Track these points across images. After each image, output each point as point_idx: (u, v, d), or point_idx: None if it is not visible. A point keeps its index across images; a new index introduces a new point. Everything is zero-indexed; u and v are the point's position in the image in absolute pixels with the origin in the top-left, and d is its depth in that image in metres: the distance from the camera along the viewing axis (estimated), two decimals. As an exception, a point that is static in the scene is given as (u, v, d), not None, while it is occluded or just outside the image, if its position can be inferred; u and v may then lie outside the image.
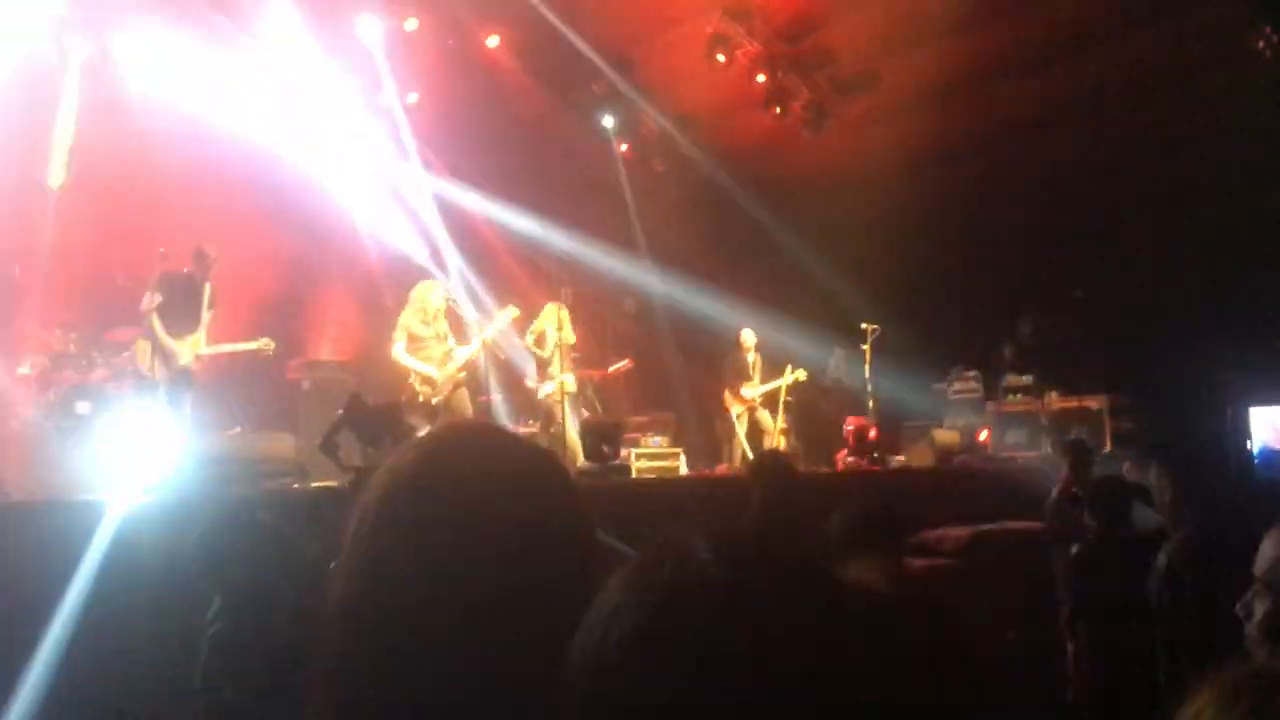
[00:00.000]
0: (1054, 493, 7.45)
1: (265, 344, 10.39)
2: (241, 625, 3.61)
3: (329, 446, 8.48)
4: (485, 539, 1.17)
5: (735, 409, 12.94)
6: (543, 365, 11.06)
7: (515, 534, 1.18)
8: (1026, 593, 6.98)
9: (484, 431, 1.33)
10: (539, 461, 1.29)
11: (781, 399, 12.66)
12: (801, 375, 12.89)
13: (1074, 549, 5.80)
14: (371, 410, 9.00)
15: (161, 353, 9.51)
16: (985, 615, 6.81)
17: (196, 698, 3.69)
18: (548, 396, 11.00)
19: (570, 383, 11.05)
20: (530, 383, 12.19)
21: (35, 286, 11.57)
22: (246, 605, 3.65)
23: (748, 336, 13.21)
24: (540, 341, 11.17)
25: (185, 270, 9.67)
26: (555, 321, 11.13)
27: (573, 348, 11.15)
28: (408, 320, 10.37)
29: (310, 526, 4.95)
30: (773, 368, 13.16)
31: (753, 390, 12.92)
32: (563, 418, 10.93)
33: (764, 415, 12.90)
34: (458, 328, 10.83)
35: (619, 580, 0.95)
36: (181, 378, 9.74)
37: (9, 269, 11.34)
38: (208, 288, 9.78)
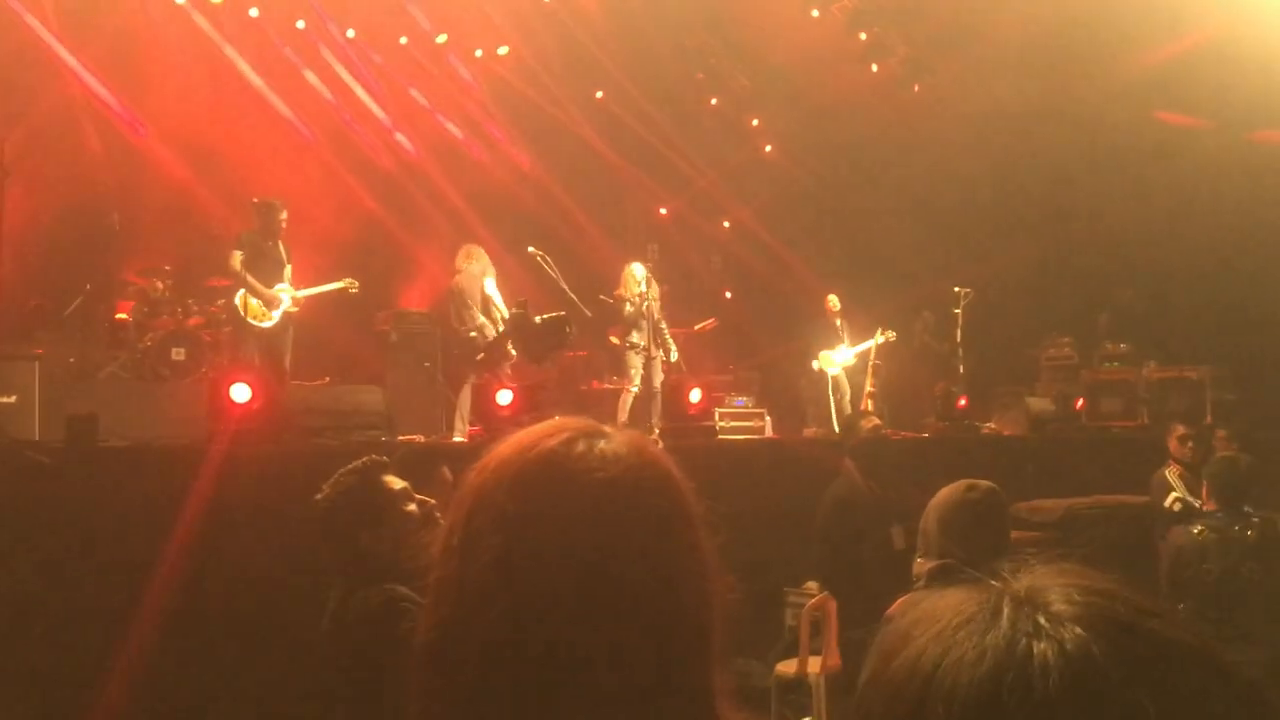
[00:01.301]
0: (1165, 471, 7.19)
1: (350, 283, 10.45)
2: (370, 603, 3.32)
3: (493, 361, 8.28)
4: (579, 539, 1.14)
5: (828, 369, 12.71)
6: (628, 322, 10.98)
7: (611, 536, 1.15)
8: (1122, 569, 6.79)
9: (582, 427, 1.26)
10: (643, 463, 1.23)
11: (870, 362, 12.44)
12: (891, 336, 12.63)
13: (1187, 527, 5.60)
14: (537, 324, 8.87)
15: (263, 299, 9.61)
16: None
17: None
18: (637, 352, 10.93)
19: (667, 338, 11.01)
20: (615, 339, 12.19)
21: (133, 234, 11.78)
22: (374, 580, 3.37)
23: (834, 301, 12.96)
24: (621, 300, 11.09)
25: (257, 229, 9.73)
26: (638, 278, 11.04)
27: (653, 300, 11.04)
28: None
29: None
30: (860, 331, 12.94)
31: (842, 353, 12.72)
32: (652, 374, 10.88)
33: (853, 378, 12.69)
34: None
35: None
36: (284, 323, 9.82)
37: (108, 217, 11.54)
38: (281, 246, 9.84)
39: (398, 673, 3.34)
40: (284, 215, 9.83)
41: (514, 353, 10.09)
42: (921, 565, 3.52)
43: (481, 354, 10.23)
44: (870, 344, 12.62)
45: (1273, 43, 11.51)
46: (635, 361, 10.89)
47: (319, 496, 3.44)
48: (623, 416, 10.64)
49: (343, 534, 3.42)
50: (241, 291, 9.57)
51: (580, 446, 1.20)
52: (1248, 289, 11.96)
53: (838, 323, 12.84)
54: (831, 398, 12.59)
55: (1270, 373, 11.47)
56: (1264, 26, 11.48)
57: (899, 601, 3.48)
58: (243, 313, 9.61)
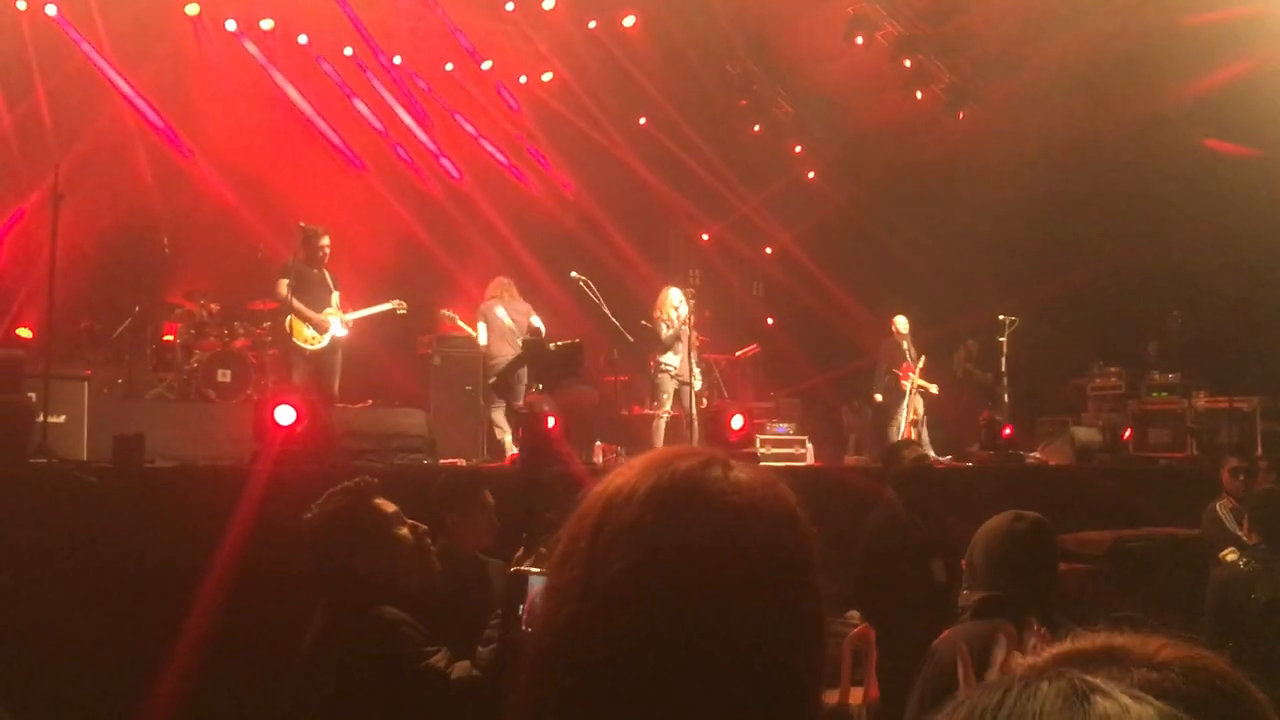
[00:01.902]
0: (1217, 505, 7.07)
1: (399, 305, 10.59)
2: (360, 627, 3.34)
3: (504, 385, 8.34)
4: (711, 566, 1.13)
5: (906, 384, 12.45)
6: (662, 346, 10.96)
7: (743, 564, 1.15)
8: (1170, 602, 6.68)
9: (711, 454, 1.24)
10: (771, 493, 1.22)
11: (912, 388, 12.33)
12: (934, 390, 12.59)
13: (1232, 559, 5.50)
14: (552, 352, 8.89)
15: (313, 324, 9.73)
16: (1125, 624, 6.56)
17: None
18: (669, 376, 10.93)
19: (692, 364, 10.98)
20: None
21: (181, 258, 11.95)
22: (363, 604, 3.36)
23: (902, 323, 12.74)
24: (658, 322, 11.08)
25: (301, 257, 9.85)
26: (674, 304, 11.04)
27: (688, 325, 11.04)
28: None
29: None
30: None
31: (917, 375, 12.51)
32: (689, 401, 10.89)
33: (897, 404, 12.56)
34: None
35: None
36: (333, 346, 9.96)
37: (157, 241, 11.72)
38: (326, 273, 9.96)
39: (392, 695, 3.32)
40: (326, 241, 9.94)
41: (525, 380, 10.14)
42: (968, 597, 3.47)
43: (494, 378, 10.35)
44: (926, 384, 12.53)
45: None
46: (668, 385, 10.90)
47: (308, 515, 3.43)
48: (657, 441, 10.63)
49: (332, 555, 3.40)
50: (290, 316, 9.68)
51: (716, 471, 1.20)
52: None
53: (904, 345, 12.65)
54: (903, 418, 12.39)
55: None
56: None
57: (945, 634, 3.44)
58: (291, 335, 9.72)
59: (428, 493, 5.75)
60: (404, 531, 3.49)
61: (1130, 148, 12.93)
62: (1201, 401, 12.06)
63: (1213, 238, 12.22)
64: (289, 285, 9.68)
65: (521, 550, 4.19)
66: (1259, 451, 10.76)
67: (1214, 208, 12.10)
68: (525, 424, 8.85)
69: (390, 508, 3.50)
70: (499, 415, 10.45)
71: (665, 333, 10.90)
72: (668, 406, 10.87)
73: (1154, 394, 12.66)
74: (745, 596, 1.13)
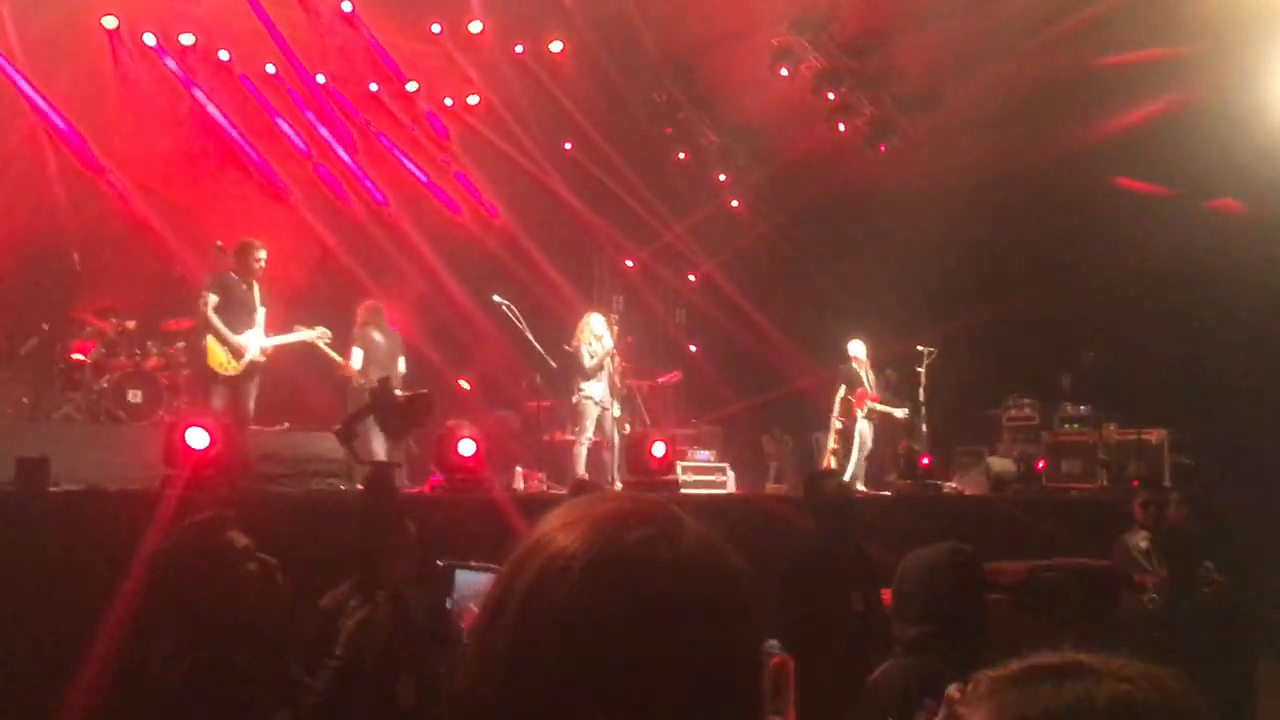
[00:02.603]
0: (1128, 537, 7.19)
1: (322, 333, 10.37)
2: (198, 665, 3.17)
3: (348, 434, 8.04)
4: (648, 650, 1.07)
5: (860, 412, 12.39)
6: (583, 373, 10.93)
7: (681, 648, 1.09)
8: (1086, 632, 6.78)
9: (662, 520, 1.17)
10: (717, 567, 1.17)
11: (834, 419, 12.42)
12: (903, 415, 12.60)
13: (1138, 595, 5.60)
14: (400, 400, 8.65)
15: (230, 348, 9.50)
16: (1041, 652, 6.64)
17: None
18: (592, 403, 10.90)
19: (607, 391, 10.95)
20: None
21: (92, 274, 11.66)
22: (204, 641, 3.22)
23: (857, 348, 12.64)
24: (578, 349, 11.06)
25: (233, 270, 9.65)
26: (596, 332, 11.04)
27: (611, 355, 11.03)
28: None
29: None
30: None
31: (876, 402, 12.49)
32: (611, 427, 10.88)
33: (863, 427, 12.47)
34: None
35: None
36: (250, 371, 9.73)
37: (67, 257, 11.43)
38: (256, 287, 9.75)
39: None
40: (262, 255, 9.76)
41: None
42: (903, 630, 3.48)
43: (338, 425, 9.92)
44: (891, 409, 12.55)
45: (1229, 113, 11.75)
46: (590, 412, 10.89)
47: (156, 550, 3.31)
48: (579, 468, 10.61)
49: (177, 590, 3.27)
50: (208, 337, 9.47)
51: (663, 551, 1.12)
52: (1205, 352, 12.10)
53: (862, 372, 12.58)
54: (857, 450, 12.34)
55: (1226, 435, 11.57)
56: (1223, 96, 11.71)
57: (881, 669, 3.44)
58: (207, 360, 9.51)
59: (344, 520, 5.64)
60: (252, 567, 3.35)
61: (1045, 184, 13.20)
62: (1112, 433, 12.32)
63: (1125, 272, 12.52)
64: (214, 303, 9.47)
65: (347, 586, 4.11)
66: (1167, 482, 11.03)
67: (1126, 244, 12.40)
68: (369, 481, 8.71)
69: (241, 542, 3.36)
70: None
71: (588, 361, 10.88)
72: (589, 433, 10.86)
73: (1066, 425, 12.91)
74: (684, 685, 1.07)
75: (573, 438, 12.59)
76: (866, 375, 12.59)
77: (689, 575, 1.12)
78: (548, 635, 1.07)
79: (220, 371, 9.52)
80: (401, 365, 10.97)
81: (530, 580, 1.12)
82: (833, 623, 5.95)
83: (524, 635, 1.09)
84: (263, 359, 9.79)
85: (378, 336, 10.79)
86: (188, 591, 3.23)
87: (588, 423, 10.83)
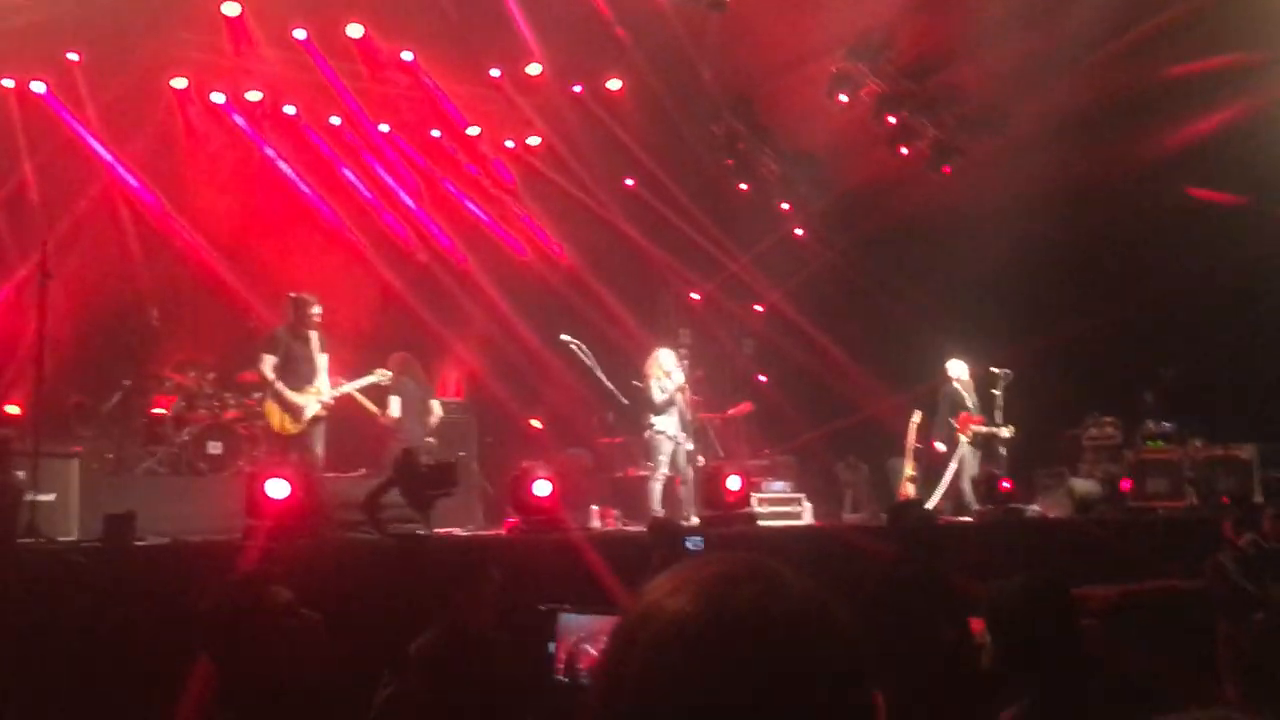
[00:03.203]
0: (1221, 556, 6.97)
1: (382, 375, 10.58)
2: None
3: (372, 508, 7.89)
4: (770, 705, 1.07)
5: (964, 438, 12.03)
6: (654, 408, 10.89)
7: (801, 701, 1.09)
8: (1182, 657, 6.57)
9: (766, 576, 1.17)
10: (826, 618, 1.17)
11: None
12: (1009, 433, 12.13)
13: (1253, 615, 5.42)
14: (425, 469, 8.62)
15: (289, 410, 9.69)
16: (1137, 680, 6.45)
17: None
18: (665, 438, 10.85)
19: (679, 426, 10.89)
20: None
21: (170, 330, 11.91)
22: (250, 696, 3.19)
23: (957, 368, 12.38)
24: (649, 383, 11.03)
25: (290, 324, 9.83)
26: (665, 367, 11.00)
27: (682, 390, 10.98)
28: None
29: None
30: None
31: (981, 425, 12.08)
32: (683, 462, 10.83)
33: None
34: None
35: None
36: (313, 428, 9.90)
37: (146, 314, 11.68)
38: (314, 335, 9.93)
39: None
40: (316, 310, 9.91)
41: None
42: (999, 662, 3.37)
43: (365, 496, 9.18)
44: (997, 430, 12.09)
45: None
46: (664, 447, 10.81)
47: (199, 609, 3.30)
48: (654, 504, 10.55)
49: (218, 648, 3.27)
50: (268, 400, 9.70)
51: (774, 607, 1.13)
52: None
53: (964, 392, 12.28)
54: (952, 472, 11.99)
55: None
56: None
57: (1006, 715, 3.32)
58: (274, 422, 9.73)
59: (423, 563, 5.65)
60: (294, 623, 3.32)
61: (1117, 198, 13.00)
62: (1198, 450, 12.02)
63: (1201, 285, 12.25)
64: (273, 364, 9.68)
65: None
66: (1259, 499, 10.71)
67: (1201, 255, 12.15)
68: (516, 488, 8.74)
69: (284, 596, 3.34)
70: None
71: (659, 396, 10.85)
72: (664, 469, 10.79)
73: (1150, 444, 12.60)
74: None
75: (646, 474, 12.58)
76: (970, 396, 12.28)
77: (801, 628, 1.12)
78: (672, 703, 1.07)
79: (282, 432, 9.73)
80: (437, 408, 11.43)
81: (646, 649, 1.11)
82: (921, 655, 5.82)
83: (646, 701, 1.08)
84: (324, 412, 9.95)
85: (412, 386, 11.03)
86: (229, 650, 3.23)
87: (662, 458, 10.77)
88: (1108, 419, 13.11)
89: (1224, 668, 5.75)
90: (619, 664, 1.13)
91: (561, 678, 4.49)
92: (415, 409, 10.96)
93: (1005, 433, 12.08)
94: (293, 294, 10.02)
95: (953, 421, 12.14)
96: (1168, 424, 12.54)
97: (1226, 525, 7.55)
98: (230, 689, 3.23)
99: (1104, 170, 12.65)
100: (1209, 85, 11.86)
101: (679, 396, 10.93)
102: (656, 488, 10.71)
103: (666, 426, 10.85)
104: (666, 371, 10.98)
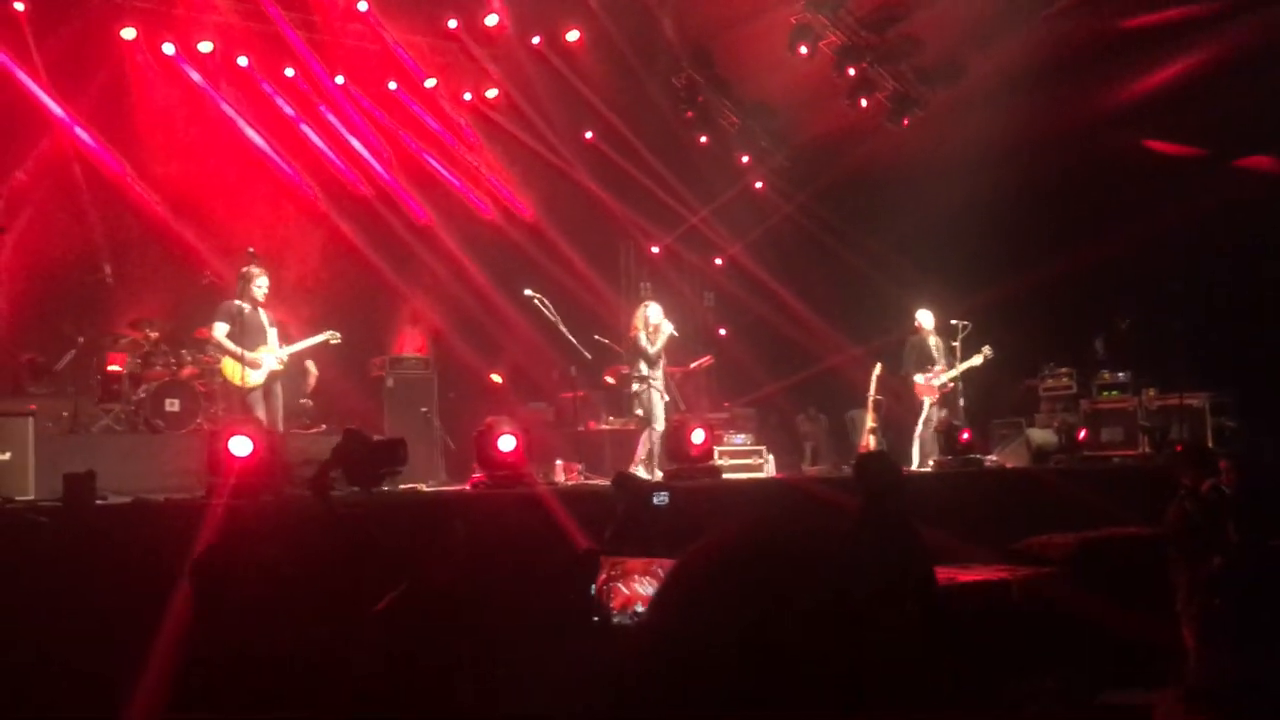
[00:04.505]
0: (1183, 502, 7.05)
1: (332, 336, 10.53)
2: None
3: (320, 485, 7.70)
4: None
5: (926, 399, 12.05)
6: (648, 360, 10.87)
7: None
8: (1140, 602, 6.71)
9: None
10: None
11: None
12: (989, 353, 11.99)
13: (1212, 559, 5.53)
14: (371, 447, 8.47)
15: (248, 363, 9.69)
16: (1098, 626, 6.59)
17: None
18: (655, 392, 10.83)
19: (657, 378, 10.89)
20: (610, 379, 12.29)
21: (125, 286, 11.73)
22: None
23: (925, 318, 12.35)
24: (636, 337, 11.02)
25: (238, 298, 9.76)
26: (654, 320, 10.99)
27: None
28: None
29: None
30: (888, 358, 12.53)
31: (942, 377, 12.07)
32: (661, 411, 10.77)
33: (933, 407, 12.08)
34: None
35: None
36: (271, 380, 9.98)
37: (99, 270, 11.49)
38: (262, 313, 9.98)
39: None
40: (262, 283, 9.92)
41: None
42: None
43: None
44: (973, 362, 12.00)
45: (1259, 68, 11.58)
46: (658, 400, 10.80)
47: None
48: (643, 454, 10.52)
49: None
50: (224, 357, 9.67)
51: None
52: (1245, 313, 11.94)
53: (931, 341, 12.26)
54: (922, 426, 12.02)
55: (1268, 397, 11.44)
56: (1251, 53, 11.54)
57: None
58: (227, 376, 9.70)
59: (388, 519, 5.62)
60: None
61: (1073, 149, 13.07)
62: (1152, 399, 12.21)
63: (1157, 236, 12.38)
64: (225, 331, 9.67)
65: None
66: (1209, 445, 10.90)
67: (1157, 207, 12.26)
68: (482, 444, 8.71)
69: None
70: None
71: (650, 349, 10.84)
72: (660, 423, 10.69)
73: (1104, 393, 12.79)
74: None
75: (608, 426, 12.62)
76: (936, 345, 12.26)
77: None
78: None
79: (242, 386, 9.68)
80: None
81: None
82: (895, 595, 5.91)
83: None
84: (281, 367, 10.05)
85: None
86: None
87: (658, 410, 10.73)
88: (1063, 370, 13.30)
89: (1182, 611, 5.86)
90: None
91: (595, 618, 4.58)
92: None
93: (978, 360, 12.02)
94: (242, 269, 9.95)
95: (919, 377, 12.17)
96: (1121, 374, 12.73)
97: (1183, 474, 7.65)
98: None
99: (1061, 122, 12.72)
100: (1165, 38, 11.91)
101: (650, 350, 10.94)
102: (646, 439, 10.63)
103: (659, 378, 10.87)
104: (655, 325, 10.97)
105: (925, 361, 12.20)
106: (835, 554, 1.30)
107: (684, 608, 1.28)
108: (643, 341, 10.85)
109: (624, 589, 4.54)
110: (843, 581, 1.28)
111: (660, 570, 4.57)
